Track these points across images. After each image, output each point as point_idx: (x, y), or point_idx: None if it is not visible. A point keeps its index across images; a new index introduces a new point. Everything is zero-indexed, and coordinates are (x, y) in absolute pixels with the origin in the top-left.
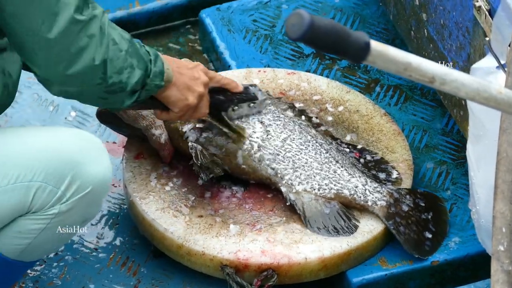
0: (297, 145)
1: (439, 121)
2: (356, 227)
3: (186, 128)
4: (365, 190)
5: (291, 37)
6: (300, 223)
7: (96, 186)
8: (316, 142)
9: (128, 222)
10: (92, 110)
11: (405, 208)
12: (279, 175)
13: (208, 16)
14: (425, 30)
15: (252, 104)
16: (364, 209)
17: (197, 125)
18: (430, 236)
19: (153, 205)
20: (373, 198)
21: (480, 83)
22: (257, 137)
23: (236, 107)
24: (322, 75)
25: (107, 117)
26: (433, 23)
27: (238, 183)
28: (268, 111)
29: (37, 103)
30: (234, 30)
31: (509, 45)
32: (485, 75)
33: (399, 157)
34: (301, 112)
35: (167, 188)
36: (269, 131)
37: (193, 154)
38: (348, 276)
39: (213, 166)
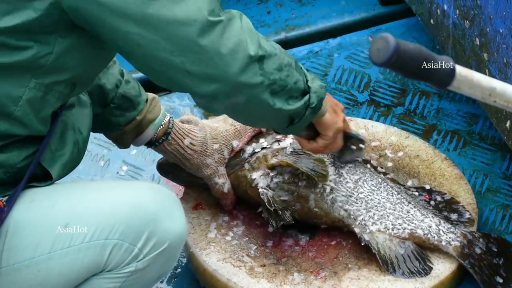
0: (369, 186)
1: (500, 165)
2: (430, 269)
3: (256, 175)
4: (439, 230)
5: (375, 62)
6: (365, 270)
7: (173, 241)
8: (387, 184)
9: (187, 275)
10: (143, 163)
11: (478, 251)
12: (352, 217)
13: None
14: (486, 70)
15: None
16: (436, 250)
17: (267, 171)
18: (501, 281)
19: (214, 256)
20: (447, 238)
21: None
22: (330, 180)
23: (348, 150)
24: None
25: (167, 167)
26: (495, 62)
27: (304, 231)
28: None
29: (87, 158)
30: None
31: None
32: None
33: (463, 201)
34: (366, 162)
35: (228, 238)
36: (342, 173)
37: (265, 200)
38: None
39: (284, 213)
